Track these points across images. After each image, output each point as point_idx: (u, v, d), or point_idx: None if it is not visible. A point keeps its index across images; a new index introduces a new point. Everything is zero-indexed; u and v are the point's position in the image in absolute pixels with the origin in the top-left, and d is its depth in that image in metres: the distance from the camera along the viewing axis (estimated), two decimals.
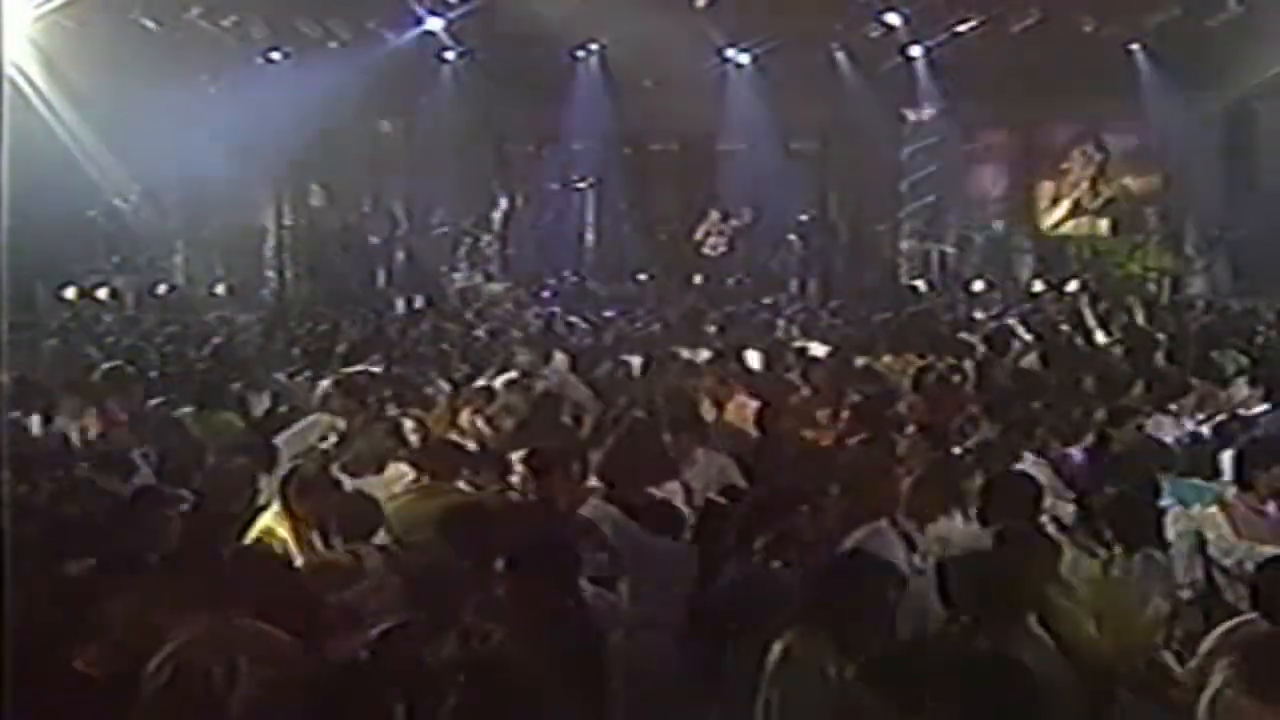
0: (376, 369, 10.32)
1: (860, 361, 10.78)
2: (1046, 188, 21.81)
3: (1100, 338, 12.76)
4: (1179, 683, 4.74)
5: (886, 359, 11.16)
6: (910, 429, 7.74)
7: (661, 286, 19.73)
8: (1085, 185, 21.58)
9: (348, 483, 6.80)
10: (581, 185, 20.97)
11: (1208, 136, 20.29)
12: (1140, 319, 14.03)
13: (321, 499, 6.13)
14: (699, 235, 20.22)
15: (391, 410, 8.43)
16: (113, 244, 19.54)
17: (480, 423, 8.47)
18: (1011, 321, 14.14)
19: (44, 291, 18.30)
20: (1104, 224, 21.49)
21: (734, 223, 20.62)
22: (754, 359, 11.07)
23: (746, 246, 20.94)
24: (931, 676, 3.79)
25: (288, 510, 6.22)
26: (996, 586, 4.66)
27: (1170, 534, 6.04)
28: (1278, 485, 6.34)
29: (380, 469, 7.17)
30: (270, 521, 6.22)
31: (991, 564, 4.92)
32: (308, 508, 6.13)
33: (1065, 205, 21.72)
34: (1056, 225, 21.72)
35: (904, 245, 21.29)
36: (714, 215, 20.39)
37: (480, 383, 9.89)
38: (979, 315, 16.49)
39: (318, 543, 6.01)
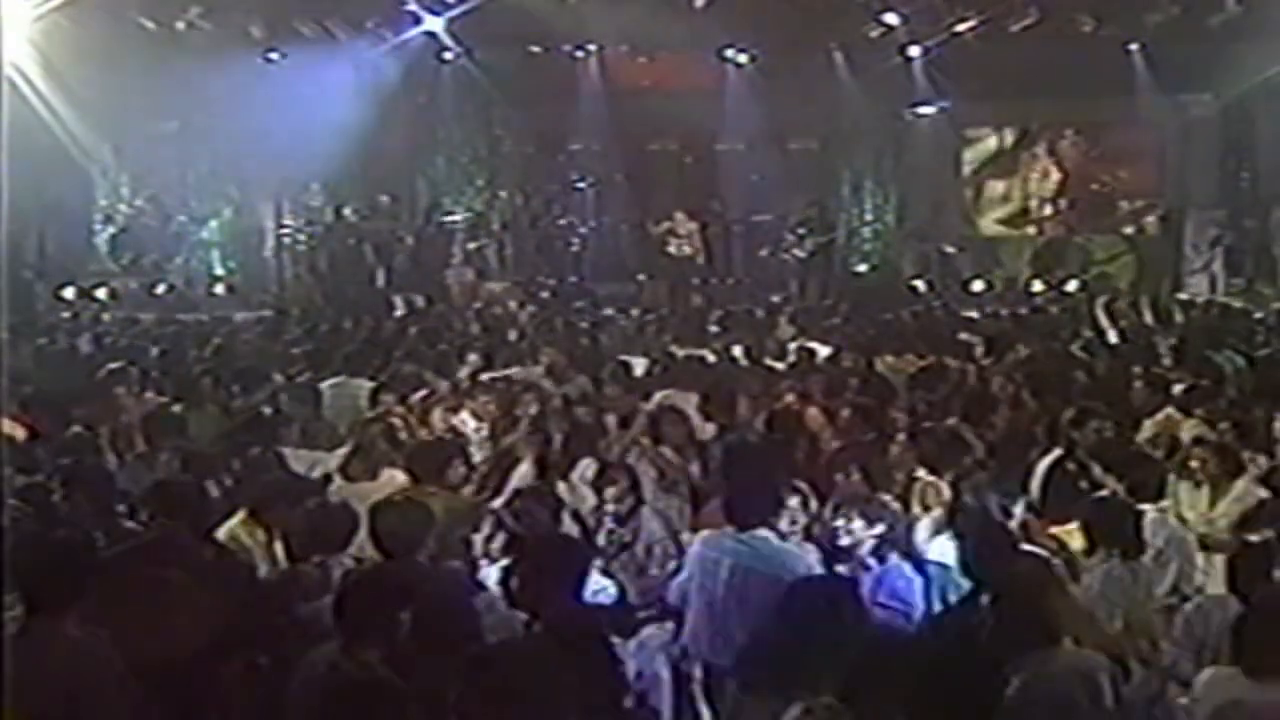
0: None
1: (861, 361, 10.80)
2: (1047, 186, 21.81)
3: (1113, 337, 12.77)
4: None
5: (887, 359, 11.17)
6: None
7: (656, 286, 19.70)
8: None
9: (336, 489, 6.75)
10: (581, 185, 20.94)
11: (1206, 136, 20.27)
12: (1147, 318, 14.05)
13: (289, 509, 5.97)
14: (662, 235, 20.17)
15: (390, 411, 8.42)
16: (116, 246, 19.53)
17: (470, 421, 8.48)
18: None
19: (44, 291, 18.29)
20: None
21: (698, 223, 20.39)
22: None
23: (743, 247, 20.87)
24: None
25: (255, 518, 6.13)
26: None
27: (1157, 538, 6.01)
28: None
29: (375, 474, 7.08)
30: (238, 528, 6.12)
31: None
32: (274, 518, 6.02)
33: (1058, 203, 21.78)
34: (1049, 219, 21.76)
35: (904, 245, 21.25)
36: (679, 216, 20.30)
37: (461, 376, 9.93)
38: (978, 315, 16.49)
39: (280, 553, 5.86)
